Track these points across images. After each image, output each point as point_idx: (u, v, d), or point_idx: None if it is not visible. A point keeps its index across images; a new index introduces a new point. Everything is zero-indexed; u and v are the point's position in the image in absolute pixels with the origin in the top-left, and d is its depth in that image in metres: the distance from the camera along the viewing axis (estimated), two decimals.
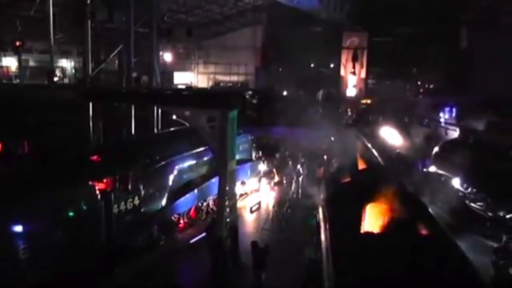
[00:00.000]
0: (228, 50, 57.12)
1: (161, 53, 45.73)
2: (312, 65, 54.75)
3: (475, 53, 49.26)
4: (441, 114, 42.82)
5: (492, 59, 44.42)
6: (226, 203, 19.41)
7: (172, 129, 27.11)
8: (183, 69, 59.73)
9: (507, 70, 43.28)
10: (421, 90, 53.47)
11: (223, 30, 59.04)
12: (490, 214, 24.11)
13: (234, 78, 58.85)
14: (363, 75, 55.41)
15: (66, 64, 49.83)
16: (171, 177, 21.70)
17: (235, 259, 19.28)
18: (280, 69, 53.60)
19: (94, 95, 24.19)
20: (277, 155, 30.84)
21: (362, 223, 16.54)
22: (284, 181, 29.86)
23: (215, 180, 20.77)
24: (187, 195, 22.29)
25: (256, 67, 57.31)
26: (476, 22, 49.36)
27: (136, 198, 19.10)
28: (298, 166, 29.16)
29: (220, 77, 59.58)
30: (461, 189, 26.99)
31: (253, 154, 30.15)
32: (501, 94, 40.79)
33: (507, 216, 23.15)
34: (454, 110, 42.71)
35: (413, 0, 48.56)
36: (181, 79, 57.32)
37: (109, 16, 27.90)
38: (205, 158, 24.10)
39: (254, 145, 30.27)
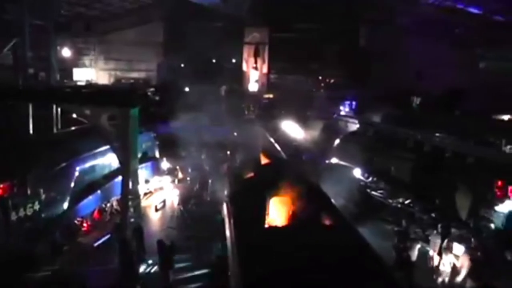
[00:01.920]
0: (129, 46, 55.81)
1: (59, 48, 44.27)
2: (214, 60, 54.73)
3: (372, 50, 51.29)
4: (341, 108, 44.23)
5: (387, 55, 46.54)
6: (130, 203, 19.24)
7: (72, 128, 26.37)
8: (83, 65, 57.87)
9: (402, 66, 45.44)
10: (322, 85, 54.80)
11: (124, 25, 57.68)
12: (390, 200, 25.34)
13: (136, 74, 57.82)
14: (265, 70, 55.84)
15: None
16: (73, 179, 21.14)
17: (142, 259, 19.15)
18: (182, 65, 53.18)
19: None
20: (181, 152, 30.68)
21: (267, 217, 16.71)
22: (188, 178, 29.85)
23: (118, 180, 20.48)
24: (90, 197, 21.88)
25: (158, 63, 56.58)
26: (374, 21, 51.36)
27: (36, 203, 18.48)
28: (203, 164, 29.30)
29: (121, 74, 58.22)
30: (362, 178, 28.14)
31: (156, 152, 29.93)
32: (397, 89, 42.85)
33: (406, 202, 24.40)
34: (353, 103, 44.27)
35: None
36: (81, 75, 55.54)
37: (1, 6, 26.58)
38: (108, 158, 23.65)
39: (157, 142, 30.05)
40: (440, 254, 19.09)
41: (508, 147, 25.24)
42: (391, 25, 48.61)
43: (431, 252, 19.55)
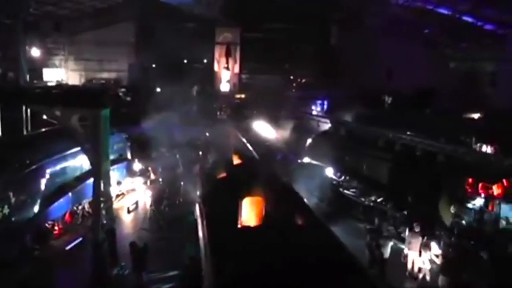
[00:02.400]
0: (100, 46, 55.25)
1: (28, 47, 43.69)
2: (185, 60, 54.57)
3: (343, 50, 51.76)
4: (313, 107, 44.51)
5: (359, 55, 47.00)
6: (102, 205, 19.05)
7: (43, 129, 26.01)
8: (53, 65, 57.12)
9: (374, 66, 45.98)
10: (294, 85, 55.07)
11: (94, 25, 57.05)
12: (362, 199, 25.57)
13: (107, 75, 57.25)
14: (236, 70, 55.92)
15: None
16: (43, 182, 20.77)
17: (115, 262, 19.00)
18: (154, 65, 52.97)
19: None
20: (153, 153, 30.51)
21: (239, 217, 16.72)
22: (161, 179, 29.71)
23: (90, 182, 20.25)
24: (61, 200, 21.56)
25: (129, 64, 56.19)
26: (345, 21, 51.85)
27: (6, 207, 18.12)
28: (176, 164, 29.15)
29: (92, 74, 57.64)
30: (335, 177, 28.31)
31: (128, 153, 29.71)
32: (369, 88, 43.32)
33: (378, 200, 24.66)
34: (325, 103, 44.58)
35: None
36: (51, 76, 54.83)
37: None
38: (79, 160, 23.38)
39: (129, 143, 29.84)
40: (420, 252, 19.30)
41: (478, 145, 25.81)
42: (362, 25, 49.11)
43: (405, 250, 19.75)
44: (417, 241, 19.31)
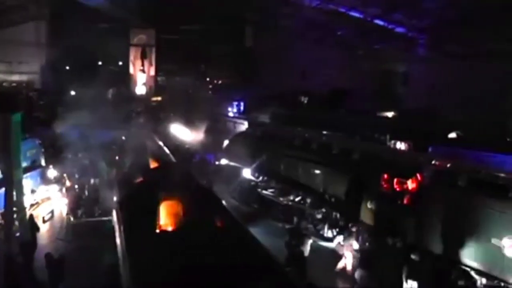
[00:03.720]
0: (9, 46, 53.20)
1: None
2: (100, 63, 53.62)
3: (259, 51, 52.43)
4: (230, 108, 44.78)
5: (274, 56, 47.76)
6: (15, 216, 18.44)
7: None
8: None
9: (289, 67, 46.81)
10: (210, 86, 55.24)
11: (3, 23, 54.82)
12: (281, 199, 25.95)
13: (17, 77, 55.06)
14: (152, 72, 55.78)
15: None
16: None
17: (30, 275, 18.38)
18: (68, 67, 51.65)
19: None
20: (68, 159, 29.70)
21: (158, 222, 16.61)
22: (76, 186, 28.98)
23: (1, 192, 19.55)
24: None
25: (41, 66, 54.43)
26: (260, 23, 52.50)
27: None
28: (92, 170, 28.55)
29: (2, 77, 55.43)
30: (253, 178, 28.56)
31: (42, 160, 28.82)
32: (285, 89, 44.06)
33: (297, 199, 25.13)
34: (242, 104, 44.95)
35: None
36: None
37: None
38: None
39: (42, 149, 28.93)
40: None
41: (392, 142, 26.82)
42: (277, 27, 49.87)
43: (344, 251, 20.22)
44: (352, 241, 19.94)
